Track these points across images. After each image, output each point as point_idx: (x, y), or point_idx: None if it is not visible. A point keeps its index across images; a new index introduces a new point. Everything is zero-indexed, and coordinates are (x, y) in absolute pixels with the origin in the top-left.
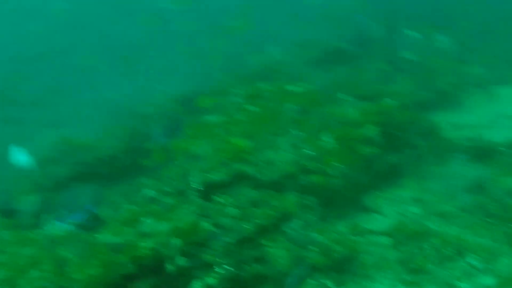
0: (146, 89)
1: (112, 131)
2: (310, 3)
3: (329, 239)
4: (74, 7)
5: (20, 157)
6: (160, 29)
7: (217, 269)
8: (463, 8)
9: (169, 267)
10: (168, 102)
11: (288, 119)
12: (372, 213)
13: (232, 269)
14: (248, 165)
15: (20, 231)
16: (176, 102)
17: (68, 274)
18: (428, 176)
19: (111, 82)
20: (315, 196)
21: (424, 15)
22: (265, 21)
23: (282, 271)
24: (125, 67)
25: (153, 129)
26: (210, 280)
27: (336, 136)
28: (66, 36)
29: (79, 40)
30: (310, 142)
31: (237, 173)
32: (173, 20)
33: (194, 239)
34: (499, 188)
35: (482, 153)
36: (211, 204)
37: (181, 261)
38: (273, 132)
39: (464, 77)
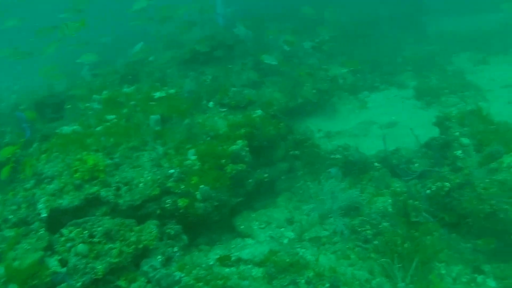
0: None
1: None
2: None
3: (194, 278)
4: None
5: None
6: None
7: None
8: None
9: None
10: (17, 107)
11: (152, 131)
12: (245, 238)
13: None
14: (105, 188)
15: None
16: (29, 107)
17: None
18: (302, 193)
19: None
20: (180, 222)
21: (290, 21)
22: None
23: None
24: None
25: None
26: None
27: (202, 153)
28: None
29: None
30: (174, 159)
31: (92, 198)
32: None
33: (36, 284)
34: (374, 209)
35: (356, 168)
36: (59, 237)
37: None
38: (135, 147)
39: (334, 84)
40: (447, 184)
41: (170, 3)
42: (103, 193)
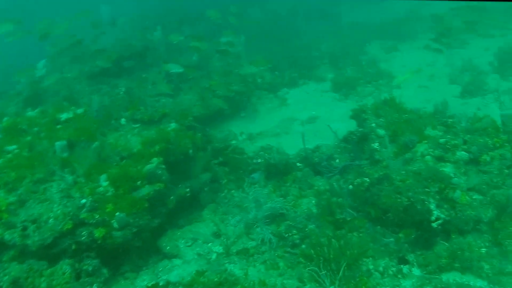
0: None
1: None
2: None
3: None
4: None
5: None
6: None
7: None
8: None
9: None
10: None
11: (58, 159)
12: (172, 258)
13: None
14: (9, 230)
15: None
16: None
17: None
18: (228, 203)
19: None
20: (100, 254)
21: (203, 24)
22: None
23: None
24: None
25: None
26: None
27: (115, 177)
28: None
29: None
30: (86, 188)
31: None
32: None
33: None
34: (299, 212)
35: (279, 170)
36: None
37: None
38: (41, 179)
39: (252, 84)
40: (366, 179)
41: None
42: (7, 236)
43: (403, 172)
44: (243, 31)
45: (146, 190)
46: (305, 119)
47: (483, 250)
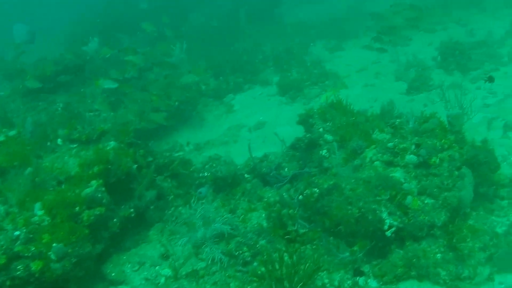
0: None
1: None
2: None
3: None
4: None
5: None
6: None
7: None
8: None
9: None
10: None
11: None
12: (118, 286)
13: None
14: None
15: None
16: None
17: None
18: (175, 221)
19: None
20: None
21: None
22: None
23: None
24: None
25: None
26: None
27: (51, 205)
28: None
29: None
30: (19, 218)
31: None
32: None
33: None
34: (249, 227)
35: (228, 182)
36: None
37: None
38: None
39: (197, 91)
40: (315, 190)
41: None
42: None
43: (353, 180)
44: (185, 37)
45: (85, 215)
46: (252, 125)
47: (439, 256)
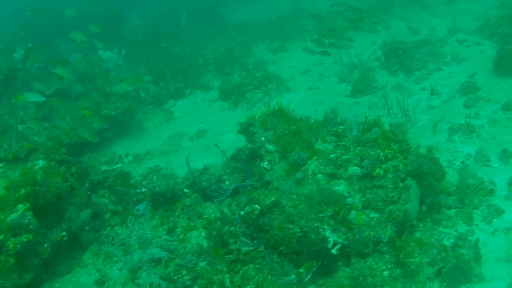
0: None
1: None
2: None
3: None
4: None
5: None
6: None
7: None
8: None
9: None
10: None
11: None
12: None
13: None
14: None
15: None
16: None
17: None
18: (112, 242)
19: None
20: None
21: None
22: None
23: None
24: None
25: None
26: None
27: None
28: None
29: None
30: None
31: None
32: None
33: None
34: (189, 248)
35: (167, 198)
36: None
37: None
38: None
39: (136, 98)
40: (256, 207)
41: None
42: None
43: (295, 196)
44: (124, 43)
45: (11, 244)
46: (194, 133)
47: (386, 273)
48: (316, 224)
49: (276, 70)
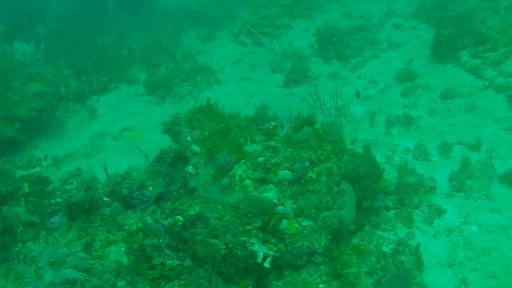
0: None
1: None
2: None
3: None
4: None
5: None
6: None
7: None
8: None
9: None
10: None
11: None
12: None
13: None
14: None
15: None
16: None
17: None
18: (23, 261)
19: None
20: None
21: None
22: None
23: None
24: None
25: None
26: None
27: None
28: None
29: None
30: None
31: None
32: None
33: None
34: (107, 265)
35: (85, 208)
36: None
37: None
38: None
39: (56, 95)
40: (179, 218)
41: None
42: None
43: (220, 206)
44: (44, 35)
45: None
46: (118, 131)
47: (322, 286)
48: (243, 238)
49: (206, 61)
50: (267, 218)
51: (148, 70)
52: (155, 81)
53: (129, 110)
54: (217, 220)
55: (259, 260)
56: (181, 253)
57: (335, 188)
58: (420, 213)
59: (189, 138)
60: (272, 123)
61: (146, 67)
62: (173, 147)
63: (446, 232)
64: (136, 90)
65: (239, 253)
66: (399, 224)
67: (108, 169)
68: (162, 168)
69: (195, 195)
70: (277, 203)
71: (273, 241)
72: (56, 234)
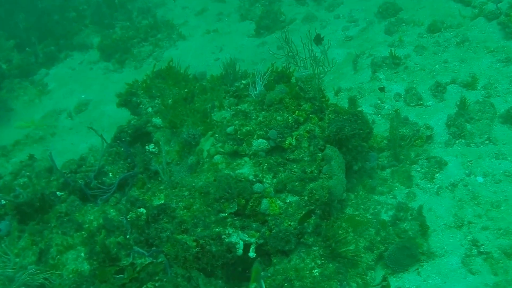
0: None
1: None
2: None
3: None
4: None
5: None
6: None
7: None
8: None
9: None
10: None
11: None
12: None
13: None
14: None
15: None
16: None
17: None
18: None
19: None
20: None
21: None
22: None
23: None
24: None
25: None
26: None
27: None
28: None
29: None
30: None
31: None
32: None
33: None
34: (65, 276)
35: (36, 207)
36: None
37: None
38: None
39: None
40: (142, 210)
41: None
42: None
43: (187, 193)
44: None
45: None
46: (73, 108)
47: (316, 271)
48: (217, 230)
49: (166, 15)
50: (243, 200)
51: (101, 32)
52: (110, 44)
53: (84, 81)
54: (184, 210)
55: (240, 252)
56: (154, 248)
57: (320, 154)
58: (419, 169)
59: (150, 109)
60: (243, 82)
61: (98, 29)
62: (132, 122)
63: (449, 188)
64: (90, 56)
65: (214, 249)
66: (397, 184)
67: (67, 153)
68: (122, 149)
69: (160, 179)
70: (254, 180)
71: (254, 226)
72: (3, 245)
